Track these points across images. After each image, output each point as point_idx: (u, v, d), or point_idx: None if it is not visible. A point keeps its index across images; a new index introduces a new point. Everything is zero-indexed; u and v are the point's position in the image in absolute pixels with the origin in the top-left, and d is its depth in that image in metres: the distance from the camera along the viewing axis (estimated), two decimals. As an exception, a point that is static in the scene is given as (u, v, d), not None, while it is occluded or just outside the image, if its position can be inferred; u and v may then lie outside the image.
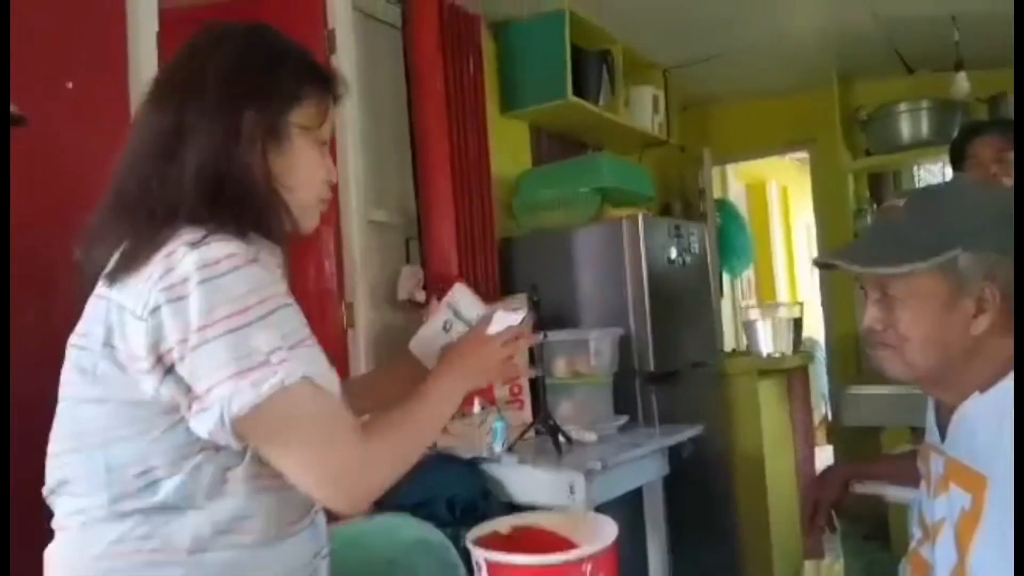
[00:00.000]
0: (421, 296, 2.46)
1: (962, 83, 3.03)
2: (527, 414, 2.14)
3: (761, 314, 3.13)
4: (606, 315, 2.43)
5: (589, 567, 0.81)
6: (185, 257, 0.77)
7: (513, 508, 1.88)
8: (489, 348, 1.00)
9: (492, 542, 0.89)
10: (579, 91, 2.80)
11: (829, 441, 4.32)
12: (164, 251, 0.78)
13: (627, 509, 2.19)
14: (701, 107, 4.14)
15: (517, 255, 2.68)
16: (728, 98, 4.07)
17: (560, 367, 2.18)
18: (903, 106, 3.45)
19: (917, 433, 2.51)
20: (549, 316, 2.27)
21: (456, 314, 1.12)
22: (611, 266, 2.46)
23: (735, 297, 4.45)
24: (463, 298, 1.14)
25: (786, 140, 4.11)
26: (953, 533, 0.95)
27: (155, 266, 0.78)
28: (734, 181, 4.94)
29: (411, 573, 1.40)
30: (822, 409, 4.71)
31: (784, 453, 3.09)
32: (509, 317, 1.04)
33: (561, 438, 1.94)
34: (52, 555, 0.87)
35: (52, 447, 0.88)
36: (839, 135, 3.63)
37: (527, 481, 1.89)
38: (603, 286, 2.48)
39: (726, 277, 4.09)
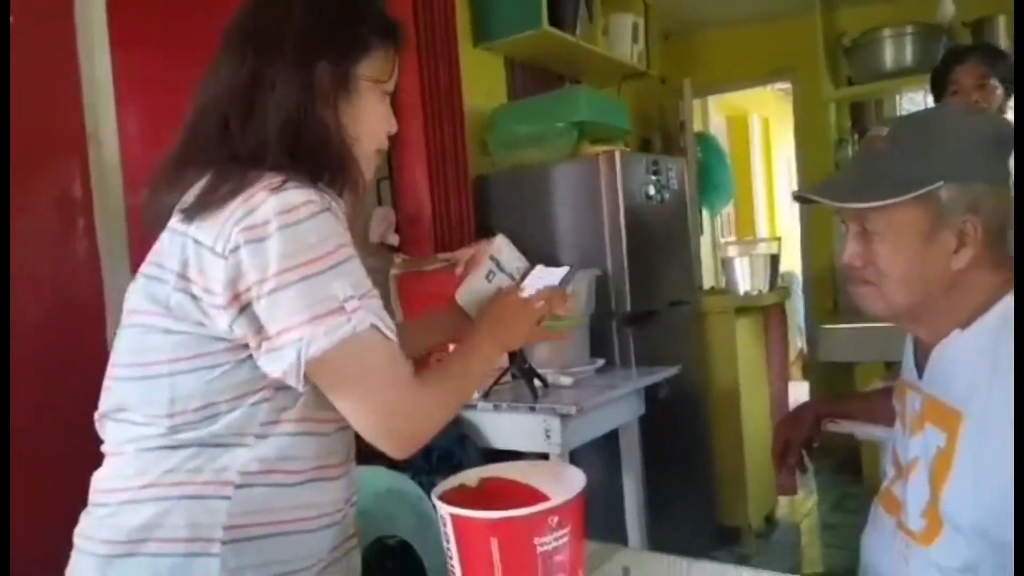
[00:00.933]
0: (394, 239, 2.39)
1: (947, 6, 2.95)
2: (503, 359, 2.11)
3: (739, 251, 3.11)
4: (583, 254, 2.39)
5: (556, 519, 0.78)
6: (266, 201, 0.80)
7: (490, 454, 1.87)
8: (526, 311, 1.02)
9: (459, 496, 0.86)
10: (555, 20, 2.68)
11: (804, 376, 4.38)
12: (245, 194, 0.81)
13: (604, 450, 2.20)
14: (682, 36, 4.02)
15: (492, 194, 2.61)
16: (710, 26, 3.95)
17: (536, 309, 2.14)
18: (887, 31, 3.38)
19: (891, 368, 2.54)
20: (524, 255, 2.22)
21: (498, 265, 1.13)
22: (588, 204, 2.40)
23: (714, 234, 4.42)
24: (505, 249, 1.15)
25: (768, 69, 4.02)
26: (927, 471, 0.94)
27: (236, 207, 0.80)
28: (715, 114, 4.85)
29: (385, 523, 1.40)
30: (798, 344, 4.76)
31: (759, 390, 3.12)
32: (549, 274, 1.06)
33: (537, 383, 1.90)
34: (101, 479, 0.88)
35: (113, 371, 0.90)
36: (822, 63, 3.55)
37: (503, 427, 1.88)
38: (580, 225, 2.42)
39: (705, 214, 4.05)
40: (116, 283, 1.59)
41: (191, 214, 0.83)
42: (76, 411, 1.32)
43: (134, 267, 1.59)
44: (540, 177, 2.48)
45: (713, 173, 3.81)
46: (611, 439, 2.16)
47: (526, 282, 1.08)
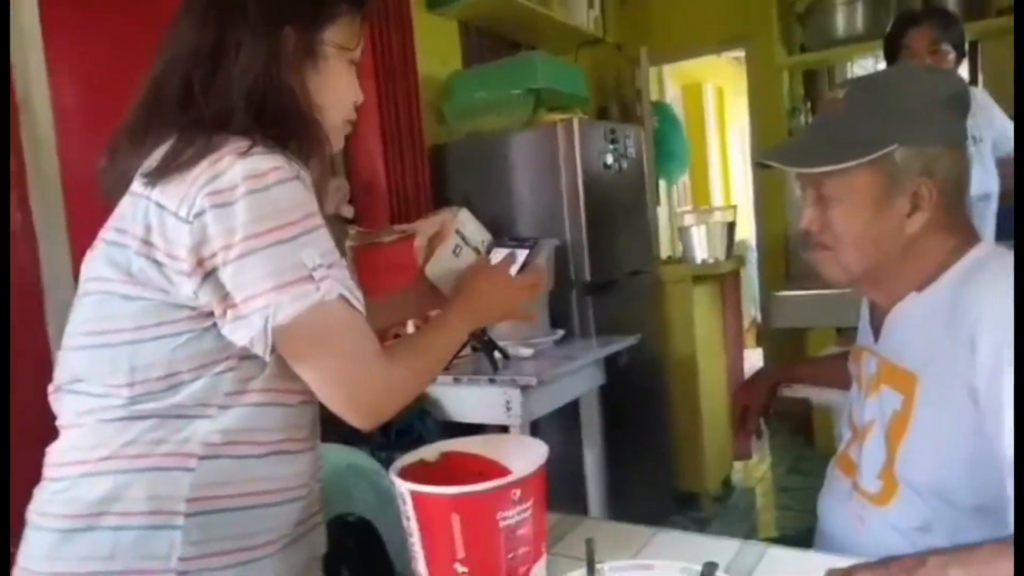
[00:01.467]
0: (349, 211, 2.33)
1: (899, -26, 2.97)
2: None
3: (696, 220, 3.12)
4: (541, 224, 2.36)
5: (518, 492, 0.77)
6: (233, 165, 0.78)
7: (450, 427, 1.86)
8: (507, 289, 1.01)
9: (418, 472, 0.84)
10: (510, -17, 2.62)
11: (758, 344, 4.46)
12: (211, 158, 0.79)
13: (564, 419, 2.21)
14: (637, 2, 3.98)
15: (448, 163, 2.56)
16: (666, -9, 3.91)
17: (495, 280, 2.11)
18: (839, -1, 3.39)
19: (843, 333, 2.59)
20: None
21: (464, 239, 1.12)
22: (546, 173, 2.37)
23: (671, 203, 4.44)
24: (468, 223, 1.13)
25: (724, 36, 4.01)
26: (883, 433, 0.95)
27: (201, 171, 0.78)
28: (670, 83, 4.84)
29: (344, 500, 1.37)
30: (752, 312, 4.84)
31: (716, 357, 3.17)
32: (516, 251, 1.05)
33: (497, 355, 1.89)
34: (56, 452, 0.86)
35: (69, 341, 0.87)
36: (775, 30, 3.56)
37: (463, 399, 1.86)
38: (538, 194, 2.40)
39: (662, 183, 4.05)
40: (53, 256, 1.51)
41: (154, 178, 0.81)
42: (17, 385, 1.26)
43: (72, 239, 1.53)
44: (497, 145, 2.44)
45: (669, 142, 3.81)
46: (571, 409, 2.16)
47: (493, 258, 1.07)
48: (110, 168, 0.90)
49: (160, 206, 0.80)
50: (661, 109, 3.90)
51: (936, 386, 0.88)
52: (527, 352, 1.97)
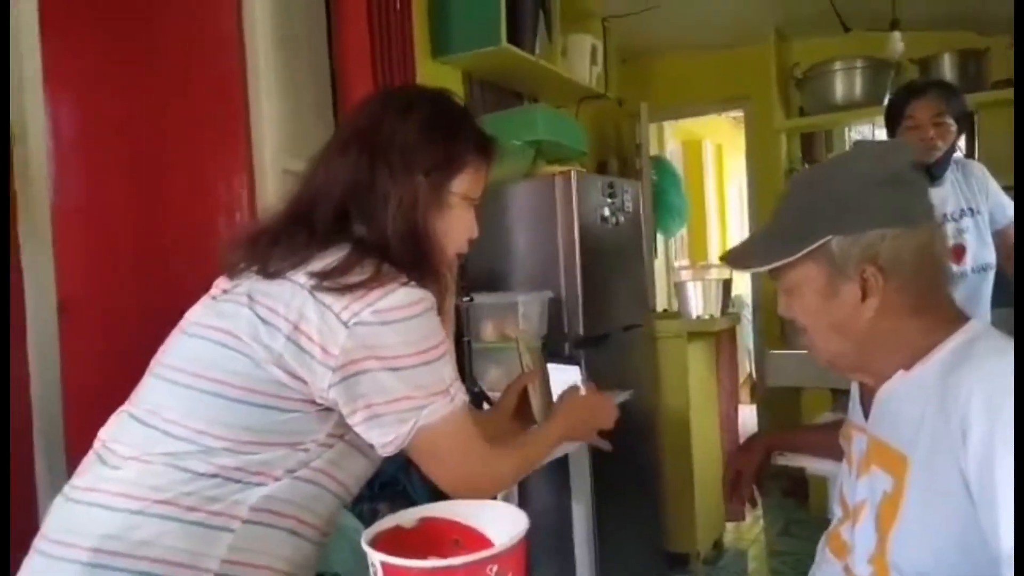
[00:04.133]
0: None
1: (897, 42, 3.03)
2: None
3: (692, 275, 3.13)
4: (536, 276, 2.35)
5: (495, 567, 0.74)
6: (396, 292, 0.92)
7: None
8: (605, 418, 1.22)
9: (394, 538, 0.81)
10: (514, 38, 2.66)
11: (752, 400, 4.42)
12: (380, 281, 0.92)
13: (553, 476, 2.16)
14: (640, 60, 4.06)
15: (446, 211, 2.55)
16: (667, 51, 3.99)
17: (488, 331, 2.10)
18: (838, 64, 3.47)
19: (837, 395, 2.56)
20: (477, 277, 2.18)
21: (521, 359, 1.34)
22: (543, 224, 2.37)
23: (668, 257, 4.44)
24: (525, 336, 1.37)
25: (723, 97, 4.08)
26: (874, 516, 0.93)
27: (370, 290, 0.91)
28: (670, 138, 4.90)
29: (321, 557, 1.32)
30: (747, 367, 4.81)
31: (709, 415, 3.13)
32: (564, 371, 1.29)
33: (486, 406, 1.86)
34: (109, 481, 0.90)
35: (163, 372, 0.96)
36: (774, 92, 3.62)
37: (450, 451, 1.81)
38: (534, 245, 2.39)
39: (660, 236, 4.06)
40: (37, 287, 1.48)
41: (324, 280, 0.92)
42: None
43: (58, 270, 1.51)
44: (496, 195, 2.44)
45: (668, 197, 3.83)
46: (561, 465, 2.11)
47: (553, 381, 1.26)
48: (243, 254, 1.00)
49: (325, 305, 0.91)
50: (660, 164, 3.93)
51: (927, 471, 0.86)
52: (517, 405, 1.94)
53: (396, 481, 1.71)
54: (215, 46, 1.99)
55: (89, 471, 0.94)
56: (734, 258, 1.06)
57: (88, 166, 1.67)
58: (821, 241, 0.90)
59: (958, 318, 0.93)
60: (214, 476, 0.89)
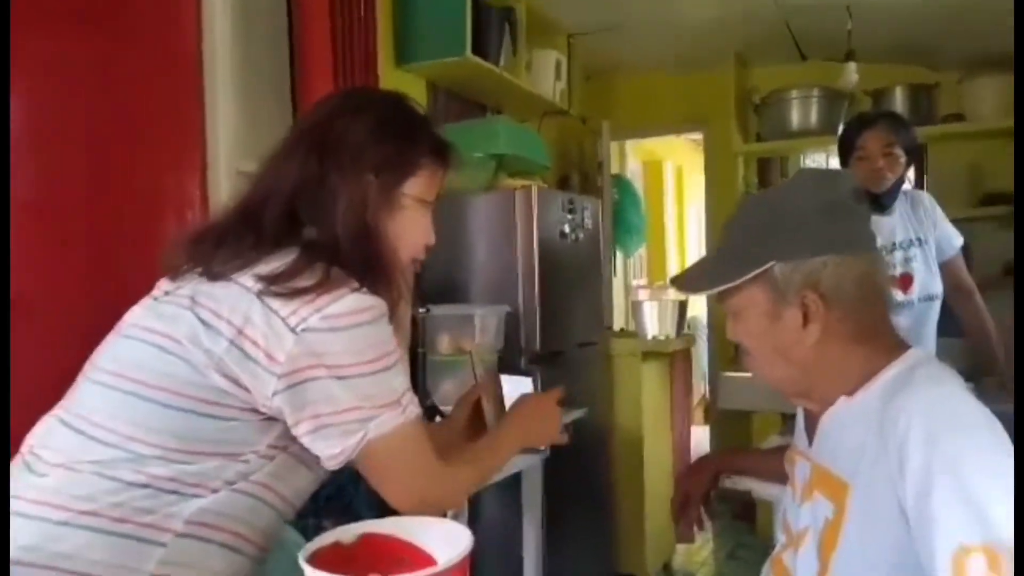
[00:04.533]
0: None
1: (851, 73, 3.11)
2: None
3: (649, 295, 3.14)
4: (494, 289, 2.33)
5: (437, 587, 0.70)
6: (345, 298, 0.89)
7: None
8: (554, 418, 1.19)
9: (333, 555, 0.77)
10: (479, 49, 2.65)
11: (706, 421, 4.46)
12: (329, 286, 0.89)
13: (505, 492, 2.13)
14: (603, 78, 4.09)
15: (404, 220, 2.51)
16: (630, 71, 4.04)
17: (443, 343, 2.06)
18: (794, 92, 3.55)
19: (786, 418, 2.59)
20: (434, 288, 2.15)
21: (475, 372, 1.34)
22: (502, 238, 2.35)
23: (627, 275, 4.47)
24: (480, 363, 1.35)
25: (683, 118, 4.15)
26: (816, 542, 0.93)
27: (319, 295, 0.88)
28: (631, 158, 4.95)
29: (258, 572, 1.27)
30: (702, 389, 4.85)
31: (662, 435, 3.13)
32: (518, 382, 1.29)
33: (439, 419, 1.82)
34: (32, 489, 0.86)
35: (94, 374, 0.92)
36: (733, 117, 3.68)
37: (399, 466, 1.77)
38: (492, 258, 2.37)
39: (619, 255, 4.08)
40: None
41: (271, 284, 0.89)
42: None
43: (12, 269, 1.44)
44: (455, 206, 2.42)
45: (627, 215, 3.86)
46: (513, 482, 2.09)
47: (507, 393, 1.24)
48: (186, 255, 0.97)
49: (272, 309, 0.87)
50: (621, 183, 3.96)
51: (866, 498, 0.86)
52: (470, 420, 1.91)
53: (342, 493, 1.66)
54: (173, 45, 1.94)
55: (16, 478, 0.89)
56: (682, 281, 1.07)
57: (40, 161, 1.61)
58: (764, 267, 0.91)
59: (899, 346, 0.94)
60: (145, 486, 0.85)
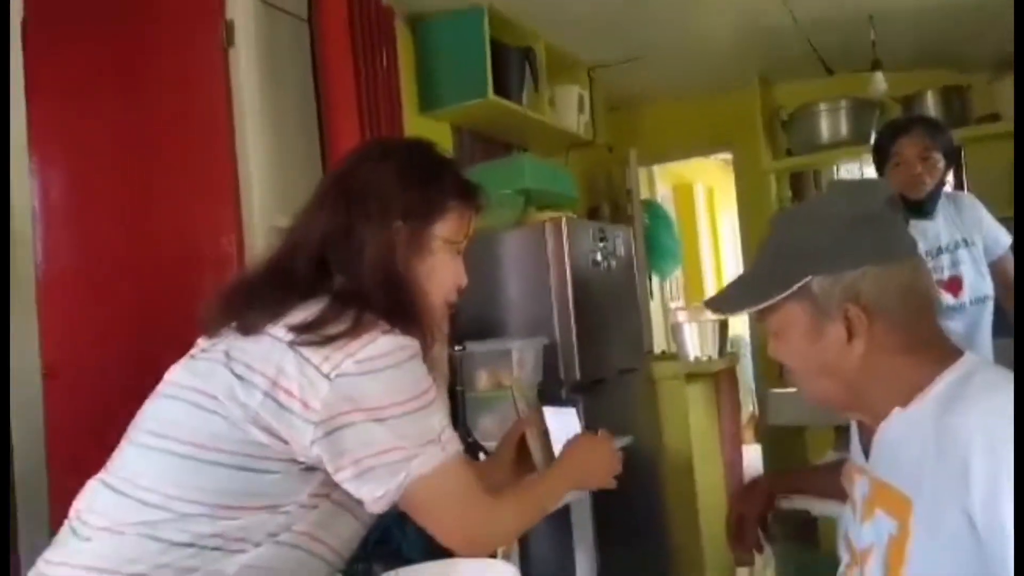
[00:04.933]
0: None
1: (879, 82, 3.07)
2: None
3: (688, 317, 3.10)
4: (530, 322, 2.34)
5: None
6: (377, 341, 0.89)
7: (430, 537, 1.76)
8: (610, 462, 1.17)
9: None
10: (501, 89, 2.71)
11: (757, 439, 4.36)
12: (360, 331, 0.90)
13: (555, 525, 2.11)
14: (627, 108, 4.12)
15: (438, 261, 2.55)
16: (652, 99, 4.05)
17: (482, 379, 2.07)
18: (822, 106, 3.51)
19: (840, 432, 2.52)
20: (470, 325, 2.17)
21: (514, 395, 1.34)
22: (535, 271, 2.37)
23: (664, 299, 4.44)
24: (521, 398, 1.34)
25: (710, 141, 4.13)
26: (882, 560, 0.90)
27: (351, 340, 0.89)
28: (661, 183, 4.94)
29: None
30: (750, 407, 4.75)
31: (713, 457, 3.07)
32: (564, 413, 1.26)
33: (482, 456, 1.83)
34: (82, 554, 0.87)
35: (137, 436, 0.93)
36: (760, 136, 3.66)
37: (446, 505, 1.77)
38: (526, 292, 2.39)
39: (655, 279, 4.06)
40: (23, 353, 1.47)
41: (303, 334, 0.90)
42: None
43: (43, 334, 1.50)
44: (486, 244, 2.44)
45: (660, 240, 3.84)
46: (563, 514, 2.07)
47: (553, 427, 1.23)
48: (220, 312, 0.99)
49: (304, 358, 0.88)
50: (651, 207, 3.96)
51: (931, 512, 0.83)
52: (514, 455, 1.90)
53: (390, 538, 1.67)
54: (203, 105, 2.02)
55: (62, 544, 0.91)
56: (716, 303, 1.05)
57: (74, 230, 1.67)
58: (801, 283, 0.90)
59: (952, 353, 0.91)
60: (190, 545, 0.85)
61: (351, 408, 0.87)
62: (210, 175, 2.00)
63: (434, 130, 2.80)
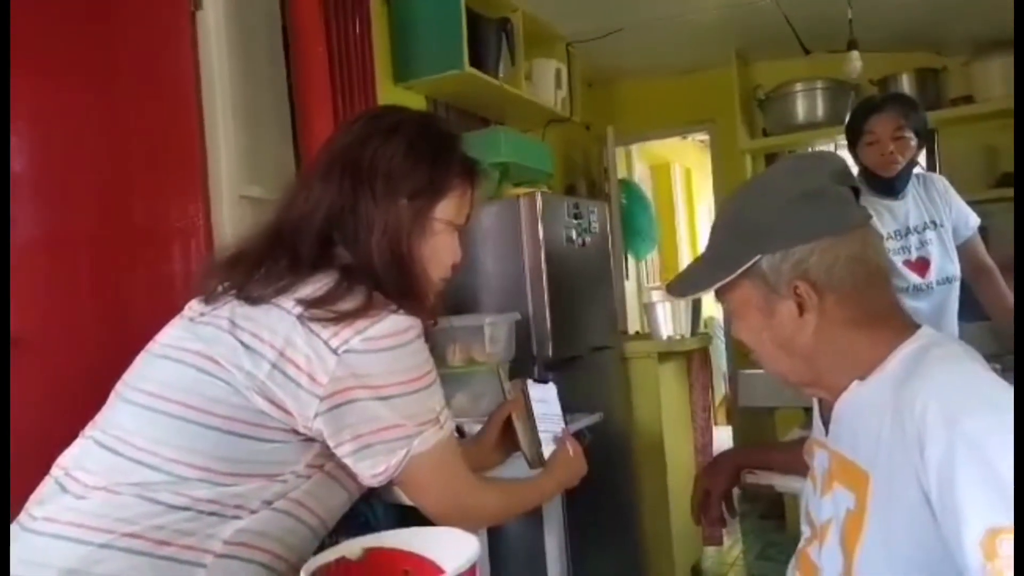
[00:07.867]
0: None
1: (855, 62, 3.07)
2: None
3: (661, 297, 3.11)
4: (503, 298, 2.32)
5: (441, 598, 0.69)
6: (384, 320, 0.91)
7: (401, 510, 1.75)
8: (582, 464, 1.25)
9: (338, 571, 0.75)
10: (478, 61, 2.65)
11: (728, 421, 4.40)
12: (370, 309, 0.91)
13: (524, 502, 2.10)
14: (605, 84, 4.09)
15: (411, 235, 2.52)
16: (631, 75, 4.04)
17: (454, 355, 2.05)
18: (799, 86, 3.53)
19: (809, 413, 2.54)
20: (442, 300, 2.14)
21: (504, 391, 1.37)
22: (508, 246, 2.35)
23: (640, 279, 4.44)
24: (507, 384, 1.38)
25: (688, 119, 4.13)
26: (839, 535, 0.90)
27: (360, 318, 0.90)
28: (639, 163, 4.93)
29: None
30: (722, 388, 4.79)
31: (684, 436, 3.09)
32: (543, 389, 1.32)
33: (455, 434, 1.81)
34: (74, 512, 0.87)
35: (132, 395, 0.92)
36: (738, 115, 3.66)
37: (414, 479, 1.76)
38: (500, 267, 2.36)
39: (631, 259, 4.06)
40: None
41: (313, 308, 0.90)
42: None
43: (14, 309, 1.45)
44: (460, 218, 2.42)
45: (636, 219, 3.84)
46: (531, 491, 2.06)
47: (535, 406, 1.27)
48: (221, 277, 0.99)
49: (313, 332, 0.89)
50: (628, 187, 3.94)
51: (888, 487, 0.83)
52: (484, 430, 1.89)
53: (357, 512, 1.65)
54: (170, 71, 1.96)
55: (50, 500, 0.89)
56: (673, 286, 1.05)
57: (39, 199, 1.63)
58: (750, 263, 0.90)
59: (909, 326, 0.91)
60: (186, 509, 0.86)
61: (356, 384, 0.89)
62: (177, 143, 1.95)
63: (409, 101, 2.74)
